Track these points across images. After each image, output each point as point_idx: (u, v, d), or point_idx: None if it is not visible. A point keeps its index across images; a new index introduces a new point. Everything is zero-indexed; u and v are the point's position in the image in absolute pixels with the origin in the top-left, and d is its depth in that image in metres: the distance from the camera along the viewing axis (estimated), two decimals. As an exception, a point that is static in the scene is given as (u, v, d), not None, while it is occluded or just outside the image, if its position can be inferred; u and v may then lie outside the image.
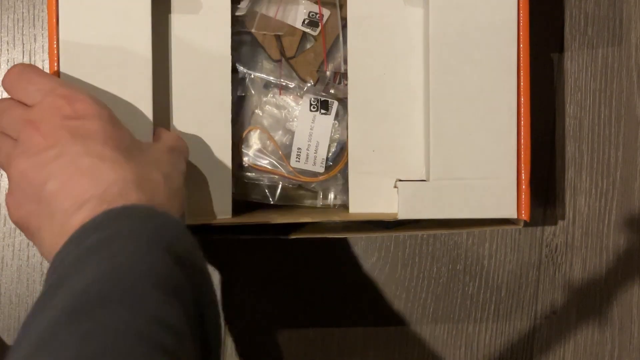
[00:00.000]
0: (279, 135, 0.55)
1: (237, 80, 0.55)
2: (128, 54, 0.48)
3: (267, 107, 0.55)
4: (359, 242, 0.60)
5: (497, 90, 0.51)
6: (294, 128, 0.55)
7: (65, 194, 0.40)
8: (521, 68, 0.51)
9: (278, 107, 0.55)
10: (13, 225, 0.57)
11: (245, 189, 0.55)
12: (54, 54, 0.48)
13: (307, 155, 0.55)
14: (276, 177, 0.55)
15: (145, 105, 0.48)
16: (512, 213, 0.51)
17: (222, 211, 0.51)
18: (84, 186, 0.40)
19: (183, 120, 0.51)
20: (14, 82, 0.45)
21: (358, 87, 0.52)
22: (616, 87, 0.61)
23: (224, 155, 0.51)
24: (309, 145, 0.55)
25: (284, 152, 0.55)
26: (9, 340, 0.57)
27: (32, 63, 0.58)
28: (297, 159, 0.55)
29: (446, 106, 0.51)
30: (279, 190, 0.56)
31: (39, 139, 0.42)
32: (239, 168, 0.55)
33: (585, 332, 0.61)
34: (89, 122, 0.42)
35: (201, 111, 0.51)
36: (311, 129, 0.55)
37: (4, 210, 0.57)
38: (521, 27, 0.51)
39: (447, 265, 0.60)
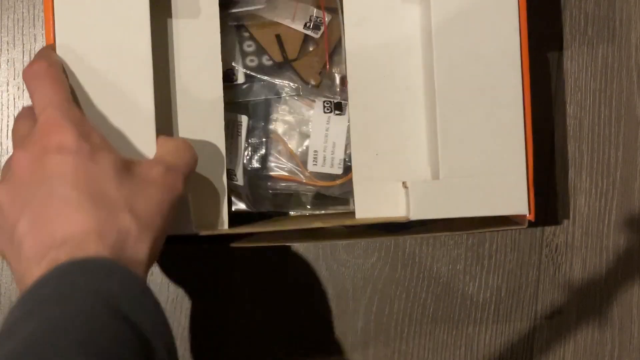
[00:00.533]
0: (295, 141, 0.55)
1: (248, 88, 0.55)
2: (127, 59, 0.48)
3: (281, 114, 0.55)
4: (359, 242, 0.60)
5: (502, 85, 0.50)
6: (309, 132, 0.55)
7: (30, 241, 0.40)
8: (523, 64, 0.51)
9: (291, 112, 0.55)
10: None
11: (266, 200, 0.55)
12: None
13: (324, 157, 0.55)
14: (293, 184, 0.55)
15: (147, 114, 0.47)
16: (523, 209, 0.51)
17: (219, 222, 0.51)
18: (46, 236, 0.40)
19: (174, 129, 0.51)
20: (27, 80, 0.45)
21: (358, 90, 0.52)
22: (616, 87, 0.61)
23: (218, 166, 0.51)
24: (325, 146, 0.54)
25: (301, 158, 0.55)
26: (9, 340, 0.57)
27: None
28: (314, 162, 0.55)
29: (452, 103, 0.50)
30: (302, 199, 0.56)
31: (20, 170, 0.41)
32: (260, 179, 0.54)
33: (585, 332, 0.61)
34: (65, 159, 0.41)
35: (193, 121, 0.51)
36: (327, 130, 0.54)
37: (4, 210, 0.57)
38: (521, 25, 0.51)
39: (447, 265, 0.60)
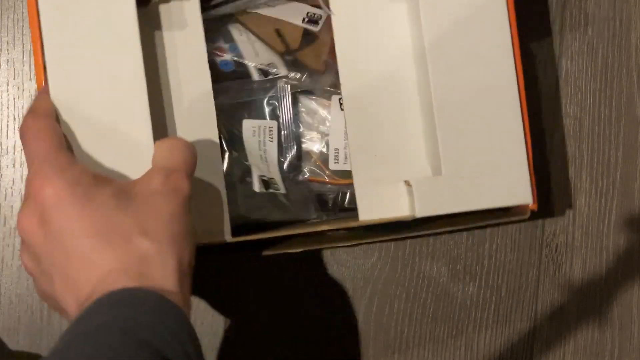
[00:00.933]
0: (314, 141, 0.55)
1: (264, 88, 0.54)
2: (119, 75, 0.47)
3: (299, 114, 0.55)
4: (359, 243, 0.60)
5: (496, 76, 0.50)
6: (327, 131, 0.54)
7: (68, 303, 0.41)
8: (515, 54, 0.51)
9: (308, 113, 0.55)
10: (13, 225, 0.57)
11: (310, 204, 0.54)
12: (41, 77, 0.47)
13: (346, 154, 0.54)
14: (316, 185, 0.54)
15: (143, 124, 0.47)
16: (527, 199, 0.50)
17: (222, 232, 0.49)
18: (77, 292, 0.40)
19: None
20: (21, 137, 0.45)
21: (352, 92, 0.52)
22: (616, 87, 0.61)
23: (216, 174, 0.50)
24: (345, 144, 0.54)
25: (322, 157, 0.54)
26: (9, 340, 0.57)
27: (32, 63, 0.57)
28: (336, 160, 0.54)
29: (448, 98, 0.50)
30: (329, 201, 0.55)
31: (30, 235, 0.42)
32: (297, 184, 0.54)
33: (585, 332, 0.61)
34: (64, 210, 0.41)
35: (187, 131, 0.50)
36: (345, 127, 0.54)
37: (4, 211, 0.57)
38: (510, 16, 0.50)
39: (447, 265, 0.60)
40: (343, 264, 0.60)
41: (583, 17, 0.61)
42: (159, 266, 0.40)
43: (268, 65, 0.54)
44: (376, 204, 0.51)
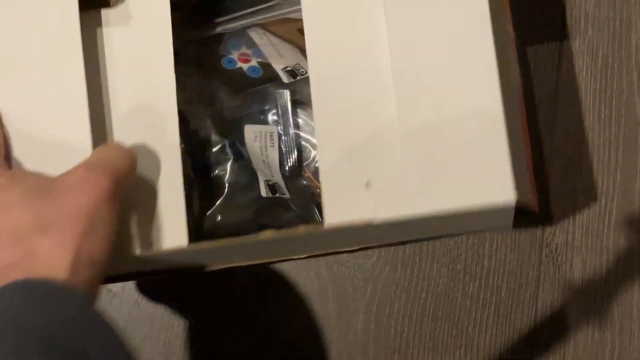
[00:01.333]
0: (308, 150, 0.54)
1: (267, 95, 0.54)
2: (59, 76, 0.46)
3: (297, 122, 0.55)
4: (359, 242, 0.60)
5: (473, 51, 0.44)
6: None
7: None
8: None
9: (304, 123, 0.54)
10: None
11: (312, 206, 0.54)
12: None
13: None
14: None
15: (82, 131, 0.45)
16: (508, 194, 0.43)
17: (178, 238, 0.45)
18: None
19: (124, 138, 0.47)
20: None
21: (322, 88, 0.46)
22: (616, 87, 0.61)
23: (173, 177, 0.46)
24: None
25: (314, 167, 0.54)
26: (9, 340, 0.57)
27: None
28: None
29: (411, 78, 0.45)
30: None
31: None
32: (300, 188, 0.54)
33: (585, 332, 0.61)
34: None
35: (144, 128, 0.47)
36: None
37: (4, 211, 0.57)
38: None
39: (447, 265, 0.60)
40: (343, 264, 0.60)
41: (583, 17, 0.61)
42: (47, 258, 0.40)
43: (295, 65, 0.53)
44: (342, 207, 0.45)
